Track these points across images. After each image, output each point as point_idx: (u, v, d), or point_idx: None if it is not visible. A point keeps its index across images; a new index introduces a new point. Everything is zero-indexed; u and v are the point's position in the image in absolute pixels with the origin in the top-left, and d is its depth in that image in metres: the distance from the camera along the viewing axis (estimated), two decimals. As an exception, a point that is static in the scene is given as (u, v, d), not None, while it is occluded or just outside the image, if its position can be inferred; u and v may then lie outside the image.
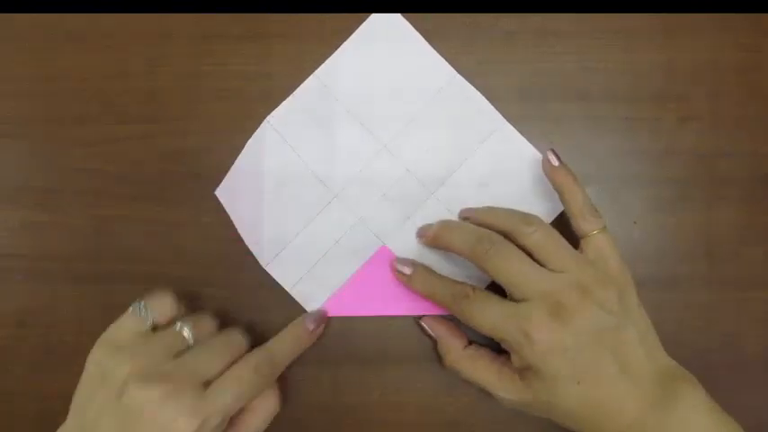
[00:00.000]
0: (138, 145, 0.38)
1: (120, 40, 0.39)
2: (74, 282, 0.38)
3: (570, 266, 0.31)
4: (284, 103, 0.38)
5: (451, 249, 0.34)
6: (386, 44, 0.38)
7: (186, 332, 0.32)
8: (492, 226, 0.33)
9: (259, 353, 0.32)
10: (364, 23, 0.38)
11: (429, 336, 0.37)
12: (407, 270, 0.36)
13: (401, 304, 0.37)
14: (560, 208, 0.36)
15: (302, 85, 0.38)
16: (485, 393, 0.36)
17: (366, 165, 0.38)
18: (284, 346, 0.34)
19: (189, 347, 0.32)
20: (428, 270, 0.36)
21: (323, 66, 0.38)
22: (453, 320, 0.36)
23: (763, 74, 0.38)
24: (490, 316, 0.31)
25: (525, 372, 0.31)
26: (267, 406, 0.33)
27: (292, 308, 0.38)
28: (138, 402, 0.29)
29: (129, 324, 0.32)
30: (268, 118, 0.38)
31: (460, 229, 0.34)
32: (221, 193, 0.38)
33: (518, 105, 0.38)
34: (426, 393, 0.37)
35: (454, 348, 0.35)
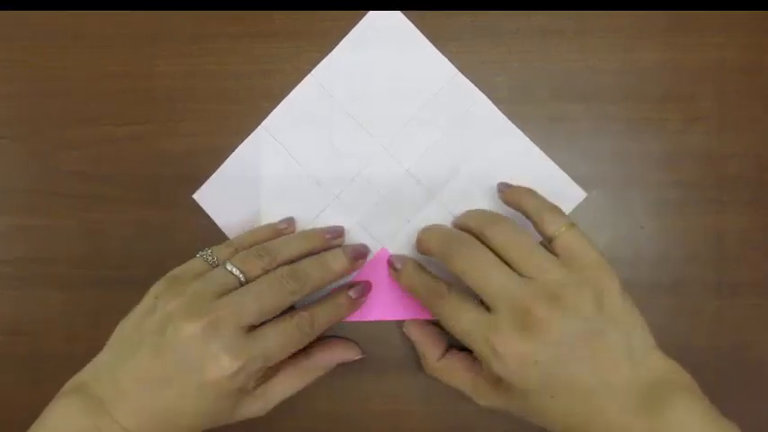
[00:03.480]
0: (131, 147, 0.38)
1: (118, 39, 0.38)
2: (65, 286, 0.38)
3: (539, 271, 0.29)
4: (280, 105, 0.38)
5: (430, 253, 0.33)
6: (385, 42, 0.37)
7: (236, 271, 0.32)
8: (466, 227, 0.33)
9: (302, 313, 0.32)
10: (362, 21, 0.37)
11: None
12: (398, 265, 0.35)
13: (401, 309, 0.37)
14: (564, 207, 0.36)
15: (299, 86, 0.37)
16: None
17: (365, 166, 0.37)
18: (324, 311, 0.34)
19: (241, 285, 0.32)
20: (416, 266, 0.35)
21: (319, 65, 0.37)
22: (435, 324, 0.35)
23: (771, 73, 0.37)
24: (461, 322, 0.30)
25: (498, 383, 0.30)
26: (294, 380, 0.34)
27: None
28: (180, 336, 0.29)
29: (195, 264, 0.33)
30: (263, 123, 0.37)
31: (437, 230, 0.34)
32: (201, 196, 0.37)
33: (521, 105, 0.37)
34: (426, 401, 0.37)
35: (430, 357, 0.35)
